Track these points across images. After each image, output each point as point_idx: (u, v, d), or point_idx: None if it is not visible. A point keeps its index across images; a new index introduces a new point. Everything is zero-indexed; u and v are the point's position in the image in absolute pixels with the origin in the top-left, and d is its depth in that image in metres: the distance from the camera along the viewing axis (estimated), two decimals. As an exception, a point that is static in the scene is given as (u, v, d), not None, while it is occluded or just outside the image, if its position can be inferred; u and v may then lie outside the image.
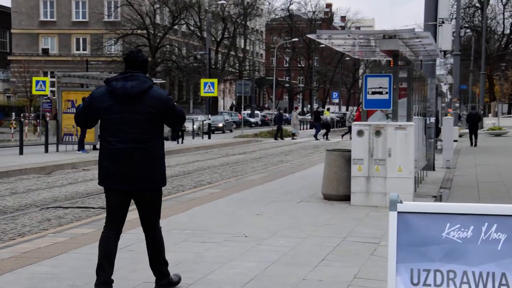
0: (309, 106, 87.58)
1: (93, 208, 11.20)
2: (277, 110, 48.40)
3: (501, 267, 3.22)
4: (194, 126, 38.18)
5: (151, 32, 56.36)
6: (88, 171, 17.89)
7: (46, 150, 22.74)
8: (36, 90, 32.85)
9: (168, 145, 29.19)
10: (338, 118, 64.94)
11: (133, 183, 5.17)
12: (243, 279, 5.89)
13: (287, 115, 74.10)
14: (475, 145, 28.06)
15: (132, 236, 7.84)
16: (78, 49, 63.09)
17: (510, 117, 52.77)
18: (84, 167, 19.00)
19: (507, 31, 61.95)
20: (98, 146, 22.49)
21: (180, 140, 31.06)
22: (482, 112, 49.98)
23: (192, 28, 63.77)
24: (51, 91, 42.47)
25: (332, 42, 11.67)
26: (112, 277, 5.36)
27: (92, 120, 5.33)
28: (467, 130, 30.81)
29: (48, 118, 27.94)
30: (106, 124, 5.19)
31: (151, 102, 5.14)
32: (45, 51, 62.16)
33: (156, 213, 5.42)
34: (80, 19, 63.30)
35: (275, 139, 36.95)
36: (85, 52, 61.60)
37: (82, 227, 8.50)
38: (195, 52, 62.04)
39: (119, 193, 5.24)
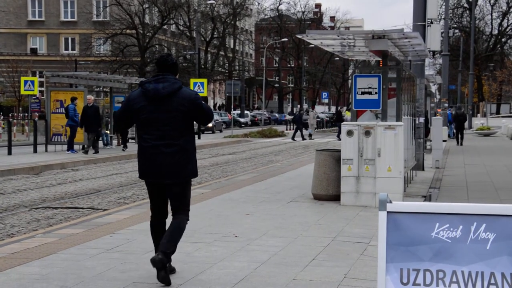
0: (298, 106, 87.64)
1: (82, 208, 11.16)
2: (298, 110, 48.27)
3: (490, 266, 3.24)
4: (184, 126, 38.02)
5: (140, 32, 56.22)
6: (77, 171, 17.82)
7: (35, 150, 22.64)
8: (25, 90, 32.69)
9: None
10: (328, 118, 65.06)
11: (165, 176, 5.64)
12: (233, 279, 5.89)
13: (276, 115, 74.23)
14: (461, 144, 29.13)
15: (121, 236, 7.82)
16: (66, 48, 62.85)
17: (498, 117, 53.02)
18: (73, 167, 18.93)
19: (495, 32, 62.32)
20: (86, 146, 22.48)
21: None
22: (471, 112, 50.27)
23: (181, 28, 63.70)
24: (40, 91, 42.26)
25: (321, 42, 11.69)
26: (102, 278, 5.58)
27: (130, 120, 5.83)
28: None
29: (36, 118, 27.80)
30: (141, 123, 5.69)
31: (181, 101, 5.60)
32: (34, 51, 61.89)
33: (185, 203, 5.82)
34: (69, 19, 63.06)
35: (293, 139, 36.71)
36: (74, 51, 61.38)
37: (72, 228, 8.47)
38: (185, 52, 61.93)
39: (155, 185, 5.75)
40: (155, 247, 5.85)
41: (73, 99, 22.86)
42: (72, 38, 62.94)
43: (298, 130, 37.81)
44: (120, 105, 27.68)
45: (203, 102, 5.75)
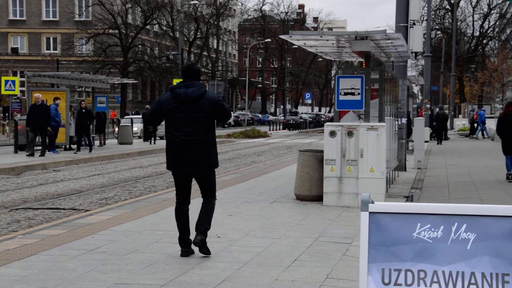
0: (281, 107, 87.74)
1: (63, 209, 11.08)
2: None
3: (470, 266, 3.25)
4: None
5: (123, 31, 55.96)
6: (59, 172, 17.70)
7: (16, 151, 22.44)
8: (5, 90, 32.37)
9: (140, 145, 29.03)
10: (311, 119, 65.18)
11: (194, 166, 6.67)
12: (216, 280, 5.88)
13: (260, 115, 74.22)
14: (440, 143, 30.66)
15: (103, 237, 7.78)
16: (48, 48, 62.42)
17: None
18: (55, 168, 18.79)
19: (477, 33, 62.75)
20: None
21: (152, 140, 30.88)
22: (452, 113, 50.58)
23: (164, 28, 63.50)
24: (21, 91, 41.92)
25: (304, 43, 11.71)
26: (83, 279, 5.63)
27: (159, 119, 6.89)
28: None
29: (17, 118, 27.55)
30: (172, 121, 6.69)
31: (206, 103, 6.65)
32: (15, 50, 61.35)
33: (212, 188, 6.89)
34: (51, 18, 62.63)
35: None
36: (55, 51, 60.96)
37: (53, 228, 8.40)
38: (168, 52, 61.78)
39: (183, 175, 6.75)
40: (180, 231, 6.80)
41: (56, 99, 22.68)
42: (54, 37, 62.52)
43: None
44: (102, 105, 27.63)
45: (224, 103, 6.85)
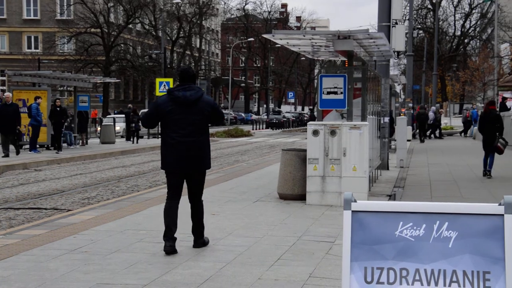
0: (265, 106, 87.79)
1: (45, 209, 11.00)
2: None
3: (452, 264, 3.27)
4: (149, 126, 37.81)
5: (105, 30, 55.62)
6: (40, 172, 17.56)
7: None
8: (-14, 89, 32.08)
9: (123, 145, 28.89)
10: (294, 118, 65.25)
11: (189, 167, 6.88)
12: (199, 279, 5.86)
13: (243, 114, 74.21)
14: (423, 142, 31.46)
15: (85, 237, 7.73)
16: (29, 47, 61.90)
17: (461, 117, 53.80)
18: (36, 168, 18.65)
19: (458, 33, 63.19)
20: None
21: (135, 139, 30.76)
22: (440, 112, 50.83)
23: (147, 27, 63.21)
24: (1, 90, 41.55)
25: (287, 42, 11.72)
26: (65, 280, 5.63)
27: (156, 121, 7.09)
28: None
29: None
30: (169, 123, 6.85)
31: (203, 106, 6.88)
32: (-4, 49, 60.79)
33: (202, 188, 7.13)
34: (32, 17, 62.12)
35: None
36: (37, 50, 60.42)
37: (34, 229, 8.33)
38: (150, 51, 61.53)
39: (177, 174, 6.93)
40: (166, 226, 6.88)
41: (37, 98, 22.47)
42: (35, 36, 62.02)
43: None
44: (84, 104, 27.47)
45: (219, 106, 7.20)
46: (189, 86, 6.90)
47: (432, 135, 35.74)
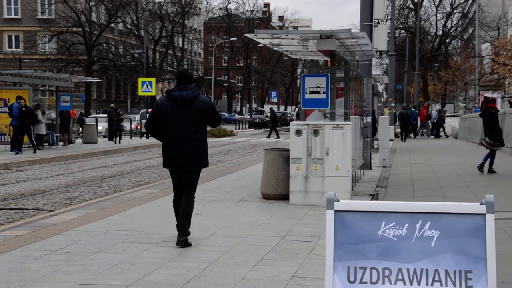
0: (248, 105, 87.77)
1: (26, 209, 10.91)
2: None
3: (434, 263, 3.29)
4: (132, 126, 37.71)
5: (87, 30, 55.27)
6: (21, 172, 17.42)
7: (-23, 151, 22.02)
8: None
9: (105, 144, 28.73)
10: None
11: (185, 164, 7.21)
12: (182, 280, 5.84)
13: (226, 114, 74.13)
14: (405, 140, 32.16)
15: (67, 238, 7.68)
16: (10, 46, 61.33)
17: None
18: (17, 168, 18.50)
19: (440, 33, 63.57)
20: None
21: (117, 139, 30.61)
22: (417, 111, 51.11)
23: (129, 26, 62.92)
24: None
25: (270, 42, 11.72)
26: (47, 280, 5.62)
27: (159, 124, 7.27)
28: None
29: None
30: (167, 122, 7.17)
31: (199, 105, 7.18)
32: (-24, 49, 60.18)
33: (195, 185, 7.45)
34: (12, 16, 61.55)
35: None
36: (17, 49, 59.87)
37: (15, 229, 8.26)
38: (132, 51, 61.22)
39: (177, 171, 7.31)
40: (177, 219, 7.34)
41: (19, 98, 22.21)
42: (16, 35, 61.46)
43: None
44: (66, 104, 27.29)
45: (215, 107, 7.47)
46: (186, 87, 7.22)
47: (434, 133, 36.02)
